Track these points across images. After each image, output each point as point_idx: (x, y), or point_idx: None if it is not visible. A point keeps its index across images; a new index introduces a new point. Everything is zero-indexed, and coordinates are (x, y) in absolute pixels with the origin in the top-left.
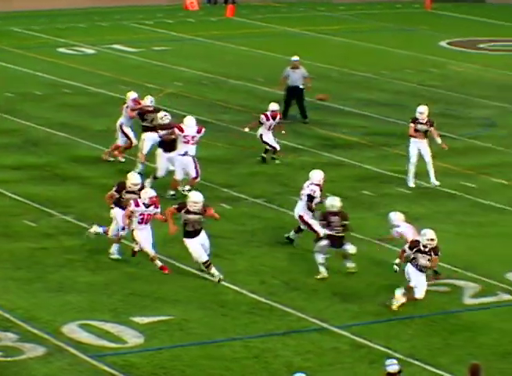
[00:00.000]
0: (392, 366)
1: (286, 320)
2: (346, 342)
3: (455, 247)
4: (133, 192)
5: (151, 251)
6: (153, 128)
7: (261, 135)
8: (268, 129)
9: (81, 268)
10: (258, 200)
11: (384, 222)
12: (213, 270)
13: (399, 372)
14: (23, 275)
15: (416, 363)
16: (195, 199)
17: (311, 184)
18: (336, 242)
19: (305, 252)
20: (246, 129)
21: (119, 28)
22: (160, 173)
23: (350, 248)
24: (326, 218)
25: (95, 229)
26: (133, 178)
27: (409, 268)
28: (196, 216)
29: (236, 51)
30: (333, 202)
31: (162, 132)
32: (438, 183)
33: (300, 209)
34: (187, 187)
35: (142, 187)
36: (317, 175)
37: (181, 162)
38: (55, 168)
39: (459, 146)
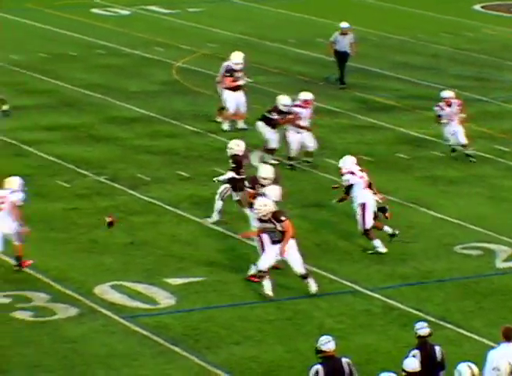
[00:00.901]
0: (423, 329)
1: (319, 282)
2: (378, 305)
3: (488, 210)
4: (264, 186)
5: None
6: (237, 88)
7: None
8: (451, 119)
9: (114, 228)
10: (293, 163)
11: (418, 185)
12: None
13: (430, 335)
14: (56, 235)
15: (449, 326)
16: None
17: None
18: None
19: (336, 215)
20: (444, 121)
21: None
22: (273, 145)
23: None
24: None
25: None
26: (264, 172)
27: None
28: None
29: (270, 13)
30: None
31: (277, 116)
32: None
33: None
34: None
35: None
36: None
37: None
38: (90, 128)
39: (493, 110)
